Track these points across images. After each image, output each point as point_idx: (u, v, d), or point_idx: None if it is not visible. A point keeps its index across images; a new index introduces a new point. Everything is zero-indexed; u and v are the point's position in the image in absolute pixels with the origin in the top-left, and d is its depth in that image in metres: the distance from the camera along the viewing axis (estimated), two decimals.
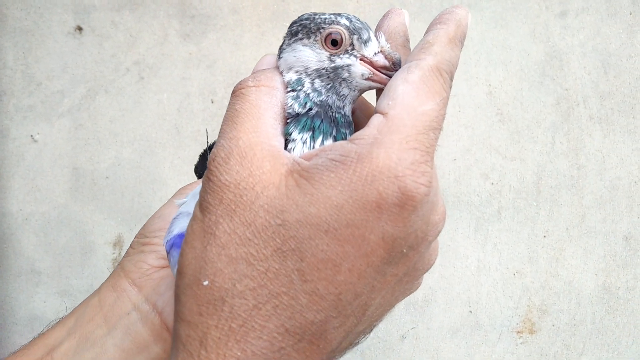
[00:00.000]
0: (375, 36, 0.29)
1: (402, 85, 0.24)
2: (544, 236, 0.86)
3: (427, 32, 0.27)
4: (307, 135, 0.28)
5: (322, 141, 0.28)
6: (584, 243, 0.86)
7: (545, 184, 0.85)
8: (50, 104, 0.88)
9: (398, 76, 0.25)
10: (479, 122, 0.85)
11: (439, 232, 0.24)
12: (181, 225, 0.31)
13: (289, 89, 0.29)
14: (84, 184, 0.89)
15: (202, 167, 0.54)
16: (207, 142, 0.47)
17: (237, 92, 0.27)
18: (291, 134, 0.28)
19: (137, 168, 0.88)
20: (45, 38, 0.87)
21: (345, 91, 0.29)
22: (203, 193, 0.24)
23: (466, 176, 0.85)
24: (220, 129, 0.26)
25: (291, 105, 0.29)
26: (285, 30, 0.31)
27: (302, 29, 0.30)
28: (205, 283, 0.22)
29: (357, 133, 0.24)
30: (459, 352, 0.88)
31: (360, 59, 0.29)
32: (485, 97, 0.85)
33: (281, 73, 0.30)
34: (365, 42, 0.29)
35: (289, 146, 0.28)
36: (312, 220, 0.21)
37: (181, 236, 0.31)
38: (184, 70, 0.86)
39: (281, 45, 0.31)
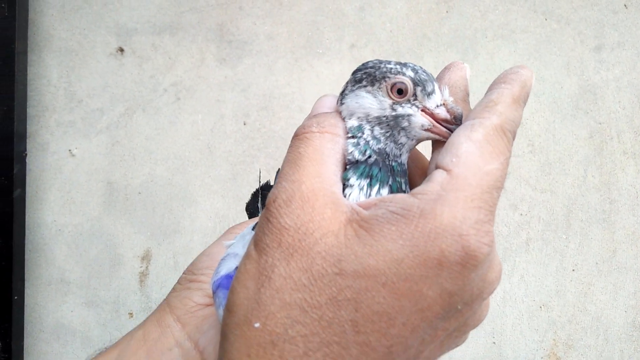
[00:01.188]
0: (440, 89, 0.30)
1: (466, 143, 0.24)
2: (573, 270, 0.85)
3: (490, 90, 0.27)
4: (364, 183, 0.28)
5: (379, 189, 0.28)
6: (614, 279, 0.84)
7: (576, 217, 0.84)
8: (89, 120, 0.91)
9: (461, 133, 0.25)
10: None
11: (494, 289, 0.24)
12: (228, 266, 0.32)
13: (349, 135, 0.30)
14: (117, 198, 0.91)
15: (253, 206, 0.54)
16: (260, 182, 0.47)
17: (300, 136, 0.27)
18: (349, 179, 0.28)
19: (169, 185, 0.90)
20: (88, 58, 0.90)
21: (404, 140, 0.30)
22: (261, 234, 0.24)
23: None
24: (282, 171, 0.26)
25: (351, 152, 0.29)
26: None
27: (366, 76, 0.30)
28: (257, 325, 0.22)
29: (420, 188, 0.24)
30: None
31: (422, 110, 0.29)
32: None
33: (343, 119, 0.30)
34: (429, 95, 0.29)
35: (346, 192, 0.28)
36: (370, 272, 0.21)
37: (228, 277, 0.32)
38: (218, 93, 0.88)
39: (343, 91, 0.31)
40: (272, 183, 0.33)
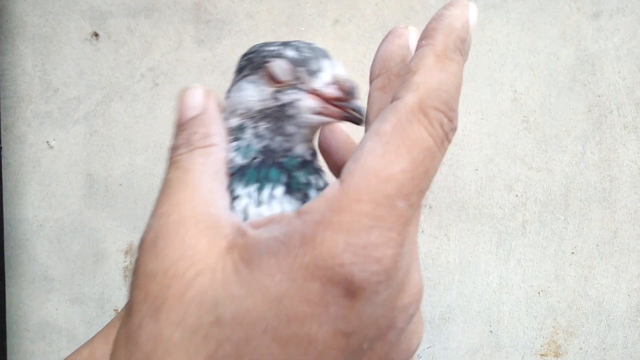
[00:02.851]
0: (330, 65, 0.26)
1: (370, 140, 0.19)
2: (572, 253, 0.83)
3: (421, 37, 0.22)
4: (252, 188, 0.25)
5: (271, 191, 0.25)
6: (616, 261, 0.83)
7: (574, 196, 0.82)
8: (66, 110, 0.89)
9: (372, 126, 0.20)
10: (503, 130, 0.83)
11: (412, 314, 0.20)
12: None
13: (232, 138, 0.26)
14: (98, 190, 0.89)
15: None
16: None
17: (169, 161, 0.23)
18: (234, 190, 0.25)
19: (151, 175, 0.88)
20: (63, 44, 0.88)
21: (293, 129, 0.26)
22: (129, 289, 0.21)
23: (489, 187, 0.82)
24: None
25: (233, 158, 0.26)
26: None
27: (248, 64, 0.27)
28: None
29: (306, 205, 0.20)
30: None
31: (310, 92, 0.25)
32: (510, 103, 0.83)
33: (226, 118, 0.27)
34: (315, 73, 0.25)
35: (235, 204, 0.25)
36: (249, 317, 0.18)
37: None
38: (198, 77, 0.86)
39: (230, 85, 0.28)
40: None
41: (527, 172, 0.83)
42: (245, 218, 0.25)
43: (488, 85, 0.82)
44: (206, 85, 0.81)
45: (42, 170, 0.90)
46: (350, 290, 0.18)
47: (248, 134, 0.26)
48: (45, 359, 0.92)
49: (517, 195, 0.83)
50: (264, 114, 0.26)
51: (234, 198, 0.25)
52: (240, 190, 0.25)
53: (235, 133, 0.26)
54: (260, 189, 0.25)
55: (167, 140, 0.88)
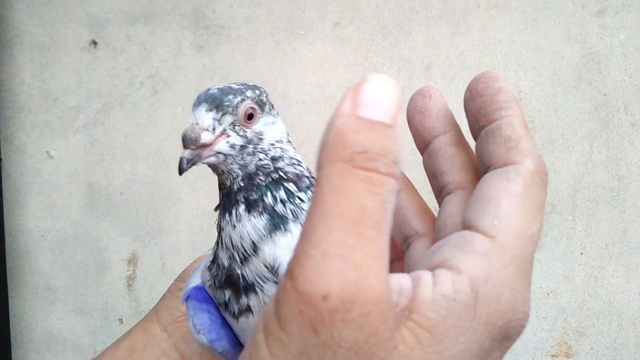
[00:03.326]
0: (196, 114, 0.31)
1: (505, 199, 0.21)
2: (581, 253, 0.83)
3: (483, 114, 0.23)
4: (227, 215, 0.31)
5: (237, 211, 0.30)
6: (626, 260, 0.82)
7: (582, 197, 0.82)
8: (66, 119, 0.89)
9: (496, 184, 0.22)
10: None
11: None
12: (197, 280, 0.34)
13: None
14: (99, 200, 0.89)
15: None
16: None
17: (366, 172, 0.18)
18: (220, 223, 0.32)
19: (152, 183, 0.88)
20: (61, 53, 0.88)
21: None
22: (299, 353, 0.18)
23: None
24: (325, 222, 0.18)
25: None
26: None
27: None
28: None
29: (461, 257, 0.20)
30: None
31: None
32: None
33: None
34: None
35: (223, 233, 0.31)
36: None
37: (196, 288, 0.33)
38: (197, 83, 0.86)
39: None
40: None
41: None
42: (232, 241, 0.30)
43: (513, 92, 0.83)
44: None
45: (42, 181, 0.90)
46: (511, 337, 0.21)
47: None
48: None
49: None
50: None
51: (222, 229, 0.31)
52: (222, 221, 0.32)
53: None
54: (230, 214, 0.32)
55: (168, 147, 0.88)
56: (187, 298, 0.33)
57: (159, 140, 0.87)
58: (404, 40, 0.83)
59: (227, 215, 0.30)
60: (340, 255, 0.17)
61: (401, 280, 0.19)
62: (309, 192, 0.30)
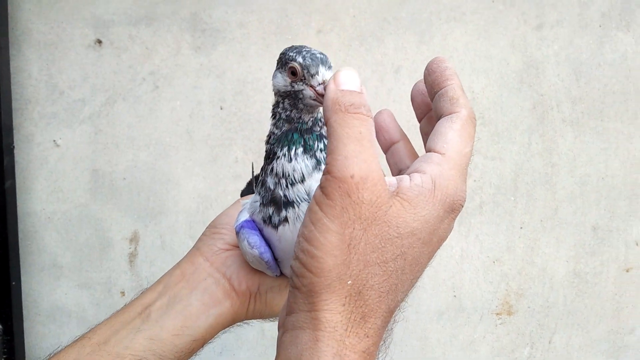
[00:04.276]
0: (323, 72, 0.40)
1: (450, 132, 0.33)
2: (521, 227, 0.94)
3: (436, 84, 0.35)
4: (285, 150, 0.40)
5: (295, 150, 0.40)
6: (557, 233, 0.94)
7: (522, 180, 0.93)
8: (72, 111, 0.93)
9: (445, 124, 0.33)
10: None
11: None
12: (245, 215, 0.45)
13: (272, 114, 0.42)
14: (103, 184, 0.94)
15: (247, 192, 0.65)
16: (253, 173, 0.58)
17: (355, 115, 0.31)
18: (276, 152, 0.41)
19: (152, 170, 0.94)
20: (68, 50, 0.92)
21: (301, 105, 0.41)
22: (341, 209, 0.29)
23: None
24: (345, 145, 0.30)
25: (273, 131, 0.42)
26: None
27: (280, 60, 0.41)
28: (349, 282, 0.29)
29: (425, 166, 0.32)
30: (444, 332, 0.97)
31: (309, 86, 0.40)
32: None
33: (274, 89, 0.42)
34: (313, 76, 0.39)
35: (276, 163, 0.40)
36: (414, 232, 0.30)
37: (246, 221, 0.44)
38: (195, 80, 0.92)
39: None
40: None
41: (483, 161, 0.92)
42: (283, 170, 0.40)
43: (454, 69, 0.92)
44: (202, 88, 0.92)
45: (49, 167, 0.94)
46: (459, 207, 0.32)
47: (279, 107, 0.42)
48: (57, 340, 0.97)
49: (475, 180, 0.93)
50: (286, 95, 0.41)
51: (277, 157, 0.40)
52: (279, 152, 0.41)
53: (274, 107, 0.42)
54: (289, 149, 0.40)
55: (167, 137, 0.95)
56: (241, 227, 0.43)
57: (159, 130, 0.92)
58: (377, 46, 0.90)
59: (286, 150, 0.40)
60: (354, 156, 0.30)
61: (390, 179, 0.32)
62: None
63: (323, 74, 0.39)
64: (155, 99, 0.92)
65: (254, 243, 0.43)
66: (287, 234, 0.41)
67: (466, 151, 0.33)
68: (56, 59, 0.92)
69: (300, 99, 0.40)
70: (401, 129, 0.40)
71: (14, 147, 0.93)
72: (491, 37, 0.90)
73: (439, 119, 0.35)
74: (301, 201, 0.40)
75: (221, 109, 0.93)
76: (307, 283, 0.30)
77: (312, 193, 0.36)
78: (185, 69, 0.92)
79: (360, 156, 0.30)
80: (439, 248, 0.33)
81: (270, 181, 0.42)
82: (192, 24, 0.91)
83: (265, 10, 0.90)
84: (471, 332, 0.97)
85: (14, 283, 0.92)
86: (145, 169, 0.94)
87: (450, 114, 0.34)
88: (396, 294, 0.31)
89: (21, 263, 0.95)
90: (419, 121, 0.39)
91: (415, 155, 0.39)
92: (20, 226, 0.95)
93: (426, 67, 0.36)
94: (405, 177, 0.32)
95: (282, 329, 0.32)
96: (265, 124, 0.44)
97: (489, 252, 0.94)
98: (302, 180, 0.40)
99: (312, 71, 0.39)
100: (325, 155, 0.37)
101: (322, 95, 0.38)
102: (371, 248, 0.30)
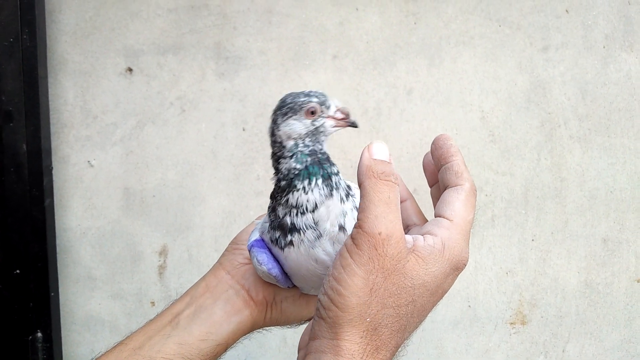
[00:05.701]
0: (332, 102, 0.46)
1: (457, 202, 0.39)
2: (532, 240, 0.95)
3: (443, 158, 0.41)
4: (305, 183, 0.44)
5: (315, 181, 0.44)
6: (568, 245, 0.95)
7: (532, 194, 0.94)
8: (104, 134, 0.98)
9: (452, 194, 0.39)
10: (474, 143, 0.94)
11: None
12: (256, 235, 0.49)
13: (289, 154, 0.45)
14: (134, 201, 0.99)
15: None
16: None
17: (385, 182, 0.38)
18: (296, 185, 0.44)
19: (180, 187, 0.98)
20: (100, 78, 0.97)
21: (322, 138, 0.46)
22: (367, 258, 0.36)
23: None
24: (374, 207, 0.36)
25: (295, 167, 0.45)
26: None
27: (289, 110, 0.45)
28: (368, 320, 0.36)
29: (436, 229, 0.38)
30: (459, 341, 0.99)
31: (328, 117, 0.45)
32: (478, 121, 0.94)
33: (281, 142, 0.46)
34: (329, 107, 0.46)
35: (293, 194, 0.44)
36: (425, 284, 0.37)
37: (256, 240, 0.49)
38: (219, 104, 0.96)
39: (275, 120, 0.46)
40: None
41: (494, 177, 0.95)
42: (297, 202, 0.44)
43: (460, 106, 0.93)
44: (226, 111, 0.97)
45: (84, 186, 0.99)
46: (462, 267, 0.39)
47: (299, 146, 0.45)
48: (91, 347, 1.01)
49: (486, 195, 0.95)
50: (308, 134, 0.45)
51: (296, 190, 0.44)
52: (299, 185, 0.44)
53: (292, 149, 0.45)
54: (309, 182, 0.44)
55: (193, 157, 1.01)
56: (252, 246, 0.48)
57: (186, 151, 0.97)
58: (389, 70, 0.93)
59: (306, 183, 0.44)
60: (382, 216, 0.36)
61: (407, 237, 0.38)
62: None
63: (334, 103, 0.46)
64: (182, 122, 0.97)
65: (262, 260, 0.48)
66: (292, 255, 0.46)
67: (469, 218, 0.39)
68: (90, 86, 0.97)
69: (322, 132, 0.45)
70: (407, 189, 0.47)
71: (52, 168, 0.98)
72: (499, 59, 0.93)
73: (444, 189, 0.41)
74: (307, 228, 0.44)
75: (243, 130, 0.97)
76: (332, 315, 0.36)
77: (322, 224, 0.43)
78: (210, 94, 0.96)
79: (387, 217, 0.36)
80: (441, 298, 0.39)
81: (280, 210, 0.45)
82: (216, 52, 0.95)
83: (283, 38, 0.94)
84: (486, 341, 0.98)
85: (52, 294, 0.97)
86: (173, 187, 0.98)
87: (455, 185, 0.40)
88: (404, 332, 0.37)
89: (59, 275, 0.99)
90: (430, 187, 0.46)
91: (420, 213, 0.46)
92: (58, 241, 1.00)
93: (433, 141, 0.43)
94: (420, 237, 0.38)
95: (304, 351, 0.39)
96: None
97: (501, 263, 0.96)
98: (314, 209, 0.44)
99: (328, 104, 0.45)
100: (339, 179, 0.44)
101: (342, 119, 0.45)
102: (389, 294, 0.36)
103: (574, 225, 0.95)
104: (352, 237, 0.37)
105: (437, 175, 0.44)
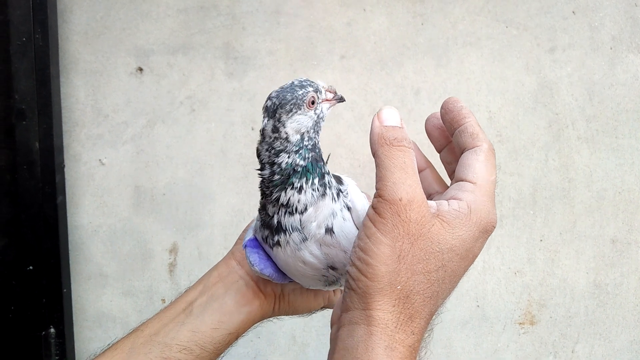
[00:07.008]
0: (322, 85, 0.45)
1: (477, 164, 0.38)
2: (541, 240, 0.95)
3: (455, 122, 0.40)
4: (302, 181, 0.43)
5: (312, 180, 0.43)
6: (576, 246, 0.95)
7: (541, 195, 0.95)
8: (115, 133, 0.99)
9: (471, 157, 0.38)
10: None
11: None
12: (249, 234, 0.50)
13: (296, 149, 0.43)
14: (144, 199, 1.00)
15: None
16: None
17: (399, 147, 0.37)
18: (293, 182, 0.43)
19: (190, 186, 0.99)
20: (111, 77, 0.98)
21: (322, 123, 0.45)
22: (392, 225, 0.35)
23: None
24: (392, 173, 0.36)
25: (299, 164, 0.43)
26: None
27: (292, 107, 0.43)
28: (399, 287, 0.35)
29: (461, 193, 0.37)
30: (468, 341, 0.99)
31: (322, 101, 0.45)
32: (486, 121, 0.95)
33: (287, 137, 0.44)
34: (321, 92, 0.45)
35: (288, 192, 0.43)
36: (453, 248, 0.36)
37: (250, 240, 0.49)
38: (228, 103, 0.97)
39: (279, 118, 0.44)
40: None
41: (502, 177, 0.95)
42: (288, 201, 0.43)
43: (468, 107, 0.95)
44: (235, 110, 0.97)
45: (95, 184, 1.00)
46: (492, 229, 0.37)
47: (305, 140, 0.43)
48: (103, 343, 0.97)
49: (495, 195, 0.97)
50: (313, 125, 0.44)
51: (293, 187, 0.43)
52: (296, 182, 0.43)
53: (298, 144, 0.43)
54: (307, 181, 0.43)
55: (203, 156, 1.02)
56: (245, 246, 0.49)
57: (195, 150, 0.98)
58: (397, 70, 0.93)
59: (304, 181, 0.42)
60: (401, 182, 0.36)
61: (430, 203, 0.37)
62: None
63: (322, 85, 0.45)
64: (191, 121, 0.98)
65: (254, 261, 0.48)
66: (280, 255, 0.46)
67: (492, 179, 0.38)
68: (101, 85, 0.99)
69: (322, 117, 0.45)
70: (426, 158, 0.45)
71: (64, 165, 0.99)
72: (506, 60, 0.93)
73: (462, 152, 0.40)
74: (293, 230, 0.43)
75: (252, 129, 0.98)
76: (362, 286, 0.36)
77: (308, 226, 0.42)
78: (219, 93, 0.96)
79: (406, 182, 0.36)
80: (473, 262, 0.38)
81: (270, 208, 0.44)
82: (225, 52, 0.96)
83: (292, 39, 0.95)
84: (495, 341, 0.98)
85: (64, 290, 0.98)
86: (183, 185, 0.99)
87: (473, 147, 0.39)
88: (437, 299, 0.37)
89: (71, 272, 1.01)
90: (438, 152, 0.45)
91: (441, 180, 0.45)
92: (70, 238, 1.01)
93: (442, 106, 0.42)
94: (444, 202, 0.38)
95: (337, 324, 0.38)
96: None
97: (510, 263, 0.96)
98: (303, 211, 0.43)
99: (320, 89, 0.45)
100: (330, 178, 0.44)
101: (334, 98, 0.45)
102: (417, 259, 0.35)
103: (582, 225, 0.95)
104: (373, 206, 0.37)
105: (444, 139, 0.43)
